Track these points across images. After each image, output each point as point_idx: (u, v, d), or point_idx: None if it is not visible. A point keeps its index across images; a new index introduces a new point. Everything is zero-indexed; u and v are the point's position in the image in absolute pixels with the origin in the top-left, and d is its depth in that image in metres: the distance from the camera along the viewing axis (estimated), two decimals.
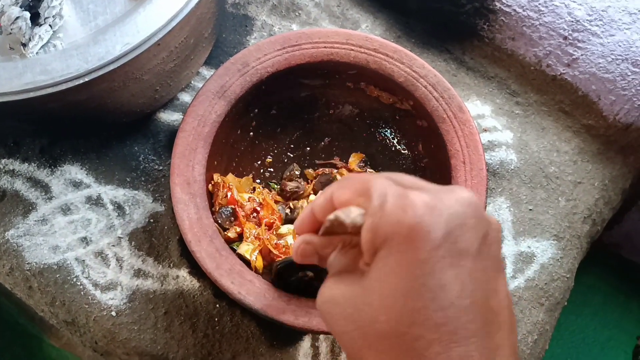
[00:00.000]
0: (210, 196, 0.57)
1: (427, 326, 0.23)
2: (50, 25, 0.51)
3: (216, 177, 0.57)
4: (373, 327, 0.25)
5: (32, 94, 0.48)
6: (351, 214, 0.27)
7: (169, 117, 0.65)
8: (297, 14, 0.72)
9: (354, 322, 0.26)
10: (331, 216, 0.28)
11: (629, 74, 0.65)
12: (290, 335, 0.57)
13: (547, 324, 0.62)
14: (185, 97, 0.66)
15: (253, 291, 0.50)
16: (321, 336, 0.58)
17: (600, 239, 0.73)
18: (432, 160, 0.60)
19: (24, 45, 0.50)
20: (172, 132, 0.64)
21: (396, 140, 0.64)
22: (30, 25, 0.50)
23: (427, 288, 0.23)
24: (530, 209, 0.64)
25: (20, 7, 0.51)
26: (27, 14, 0.51)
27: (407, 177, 0.29)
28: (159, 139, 0.64)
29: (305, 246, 0.31)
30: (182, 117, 0.56)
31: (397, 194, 0.25)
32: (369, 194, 0.26)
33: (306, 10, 0.72)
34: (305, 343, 0.57)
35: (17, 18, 0.50)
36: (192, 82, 0.67)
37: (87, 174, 0.62)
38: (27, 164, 0.62)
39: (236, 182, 0.59)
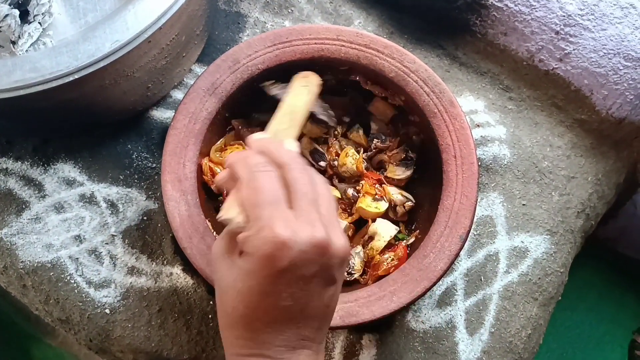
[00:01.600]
0: (204, 186, 0.57)
1: (265, 319, 0.37)
2: (39, 22, 0.51)
3: (204, 164, 0.57)
4: (234, 311, 0.37)
5: (22, 92, 0.48)
6: (232, 223, 0.37)
7: (161, 114, 0.65)
8: (289, 10, 0.72)
9: (222, 304, 0.38)
10: (220, 216, 0.38)
11: (621, 68, 0.64)
12: None
13: (540, 319, 0.62)
14: (178, 95, 0.66)
15: None
16: None
17: (595, 234, 0.73)
18: (424, 155, 0.60)
19: (14, 43, 0.50)
20: (165, 130, 0.64)
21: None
22: (19, 23, 0.50)
23: (268, 295, 0.36)
24: (524, 204, 0.64)
25: (9, 4, 0.51)
26: (16, 12, 0.50)
27: (301, 183, 0.38)
28: (152, 137, 0.64)
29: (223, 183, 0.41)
30: None
31: (268, 224, 0.35)
32: (252, 211, 0.36)
33: (299, 6, 0.72)
34: None
35: (6, 16, 0.50)
36: (185, 79, 0.66)
37: (80, 172, 0.62)
38: (20, 163, 0.62)
39: (220, 159, 0.58)
